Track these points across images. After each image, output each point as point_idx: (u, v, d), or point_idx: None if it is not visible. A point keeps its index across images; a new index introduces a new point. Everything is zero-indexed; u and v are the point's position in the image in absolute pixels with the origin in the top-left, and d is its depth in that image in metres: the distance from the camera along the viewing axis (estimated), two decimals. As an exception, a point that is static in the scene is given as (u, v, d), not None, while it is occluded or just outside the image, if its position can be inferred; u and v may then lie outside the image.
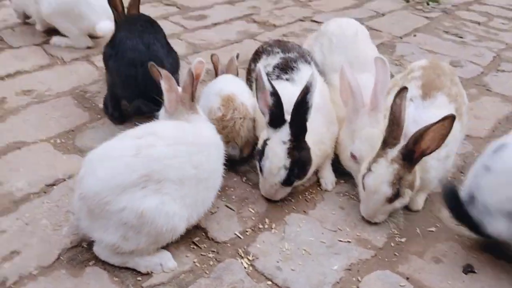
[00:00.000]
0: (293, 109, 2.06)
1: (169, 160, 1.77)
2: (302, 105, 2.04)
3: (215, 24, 4.46)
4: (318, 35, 2.88)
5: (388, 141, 2.05)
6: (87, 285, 1.79)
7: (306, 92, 2.03)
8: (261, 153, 2.14)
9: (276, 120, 2.11)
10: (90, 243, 1.95)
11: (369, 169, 2.06)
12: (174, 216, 1.76)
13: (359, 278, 1.87)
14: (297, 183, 2.20)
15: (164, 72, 2.02)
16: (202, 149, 1.90)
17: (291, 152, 2.07)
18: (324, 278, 1.86)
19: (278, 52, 2.54)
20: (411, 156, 1.99)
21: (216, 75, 2.82)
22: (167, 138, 1.82)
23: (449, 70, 2.44)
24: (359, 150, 2.24)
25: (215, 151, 1.99)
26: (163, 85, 2.05)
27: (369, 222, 2.14)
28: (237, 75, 2.80)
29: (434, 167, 2.14)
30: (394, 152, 2.02)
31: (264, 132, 2.20)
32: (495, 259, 1.98)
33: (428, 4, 5.41)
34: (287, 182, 2.12)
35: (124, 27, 2.76)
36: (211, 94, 2.43)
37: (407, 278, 1.89)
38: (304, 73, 2.37)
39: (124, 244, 1.75)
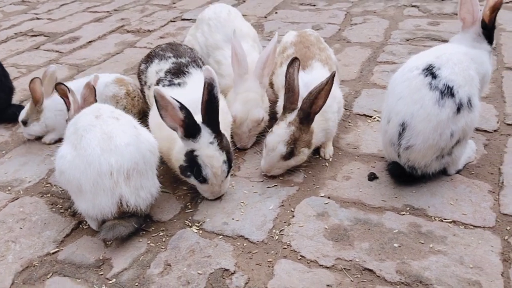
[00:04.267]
0: (205, 108, 2.09)
1: None
2: (212, 101, 2.07)
3: (90, 42, 4.50)
4: (198, 23, 3.15)
5: (287, 107, 2.36)
6: (54, 295, 1.86)
7: (210, 88, 2.05)
8: (194, 165, 2.12)
9: (192, 129, 2.10)
10: (42, 261, 2.01)
11: (271, 130, 2.37)
12: None
13: (292, 209, 2.19)
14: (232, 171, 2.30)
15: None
16: None
17: (221, 146, 2.13)
18: (265, 217, 2.15)
19: (170, 57, 2.59)
20: (308, 117, 2.32)
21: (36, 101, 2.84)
22: None
23: (315, 39, 2.82)
24: (235, 110, 2.55)
25: None
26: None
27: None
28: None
29: (332, 118, 2.51)
30: (292, 116, 2.33)
31: (180, 148, 2.17)
32: (386, 165, 2.42)
33: (279, -16, 5.96)
34: (228, 172, 2.21)
35: None
36: (103, 87, 2.76)
37: (329, 197, 2.25)
38: (195, 77, 2.44)
39: None
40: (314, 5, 5.10)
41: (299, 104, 2.34)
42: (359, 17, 4.61)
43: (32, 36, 4.78)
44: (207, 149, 2.11)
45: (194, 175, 2.16)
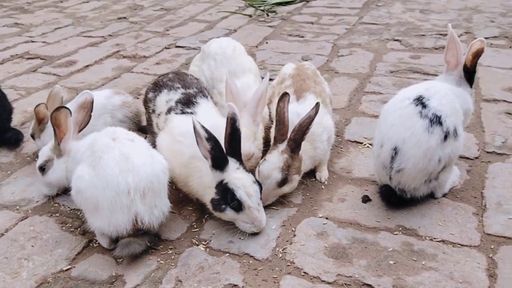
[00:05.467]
0: (228, 140, 2.23)
1: None
2: (235, 134, 2.24)
3: (87, 66, 4.62)
4: (204, 56, 3.31)
5: (277, 138, 2.51)
6: (70, 309, 1.94)
7: (233, 122, 2.20)
8: (227, 193, 2.20)
9: (221, 161, 2.21)
10: (56, 277, 2.09)
11: (264, 160, 2.50)
12: None
13: (293, 229, 2.34)
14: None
15: None
16: None
17: (246, 170, 2.28)
18: (268, 236, 2.28)
19: (178, 88, 2.71)
20: (299, 146, 2.48)
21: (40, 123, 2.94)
22: None
23: (312, 73, 3.00)
24: None
25: None
26: None
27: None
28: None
29: (321, 147, 2.68)
30: (283, 145, 2.47)
31: (210, 181, 2.25)
32: (378, 188, 2.60)
33: (267, 15, 6.25)
34: (261, 196, 2.29)
35: None
36: (105, 99, 3.07)
37: (327, 218, 2.41)
38: (203, 106, 2.62)
39: None
40: (303, 37, 5.36)
41: (289, 134, 2.49)
42: (345, 49, 4.88)
43: (29, 58, 4.88)
44: (234, 173, 2.22)
45: (228, 203, 2.21)
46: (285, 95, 2.53)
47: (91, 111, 2.61)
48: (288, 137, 2.47)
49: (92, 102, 2.60)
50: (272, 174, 2.42)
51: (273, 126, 2.80)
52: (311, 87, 2.85)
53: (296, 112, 2.60)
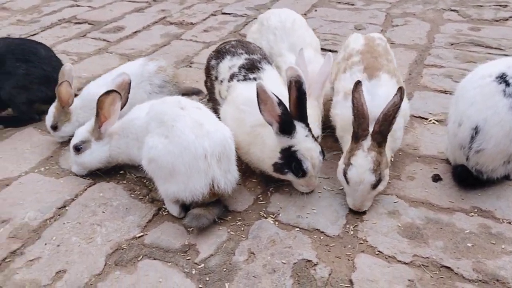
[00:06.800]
0: (295, 104, 2.20)
1: None
2: (302, 97, 2.19)
3: (136, 32, 4.58)
4: (262, 29, 3.20)
5: (359, 134, 2.19)
6: (147, 277, 1.96)
7: (298, 85, 2.15)
8: (293, 161, 2.21)
9: (288, 126, 2.19)
10: (130, 244, 2.12)
11: (349, 163, 2.19)
12: None
13: (363, 206, 2.30)
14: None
15: None
16: None
17: (314, 137, 2.26)
18: (337, 213, 2.25)
19: (242, 53, 2.67)
20: (385, 138, 2.18)
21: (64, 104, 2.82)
22: None
23: (383, 50, 2.69)
24: None
25: None
26: None
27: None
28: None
29: (400, 137, 2.46)
30: (368, 141, 2.17)
31: (273, 145, 2.24)
32: (450, 167, 2.52)
33: (314, -19, 6.03)
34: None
35: None
36: (140, 67, 2.97)
37: (397, 196, 2.35)
38: (269, 73, 2.56)
39: None
40: (353, 4, 5.17)
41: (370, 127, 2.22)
42: (399, 19, 4.68)
43: (76, 23, 4.86)
44: (304, 143, 2.22)
45: (293, 171, 2.25)
46: (358, 84, 2.24)
47: (129, 92, 2.62)
48: (372, 130, 2.19)
49: (130, 83, 2.62)
50: (365, 178, 2.15)
51: (335, 99, 2.68)
52: (384, 65, 2.54)
53: (369, 92, 2.34)
